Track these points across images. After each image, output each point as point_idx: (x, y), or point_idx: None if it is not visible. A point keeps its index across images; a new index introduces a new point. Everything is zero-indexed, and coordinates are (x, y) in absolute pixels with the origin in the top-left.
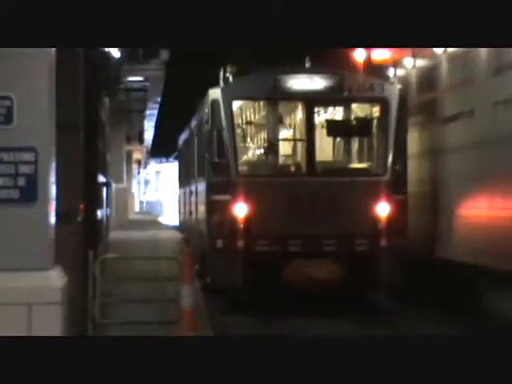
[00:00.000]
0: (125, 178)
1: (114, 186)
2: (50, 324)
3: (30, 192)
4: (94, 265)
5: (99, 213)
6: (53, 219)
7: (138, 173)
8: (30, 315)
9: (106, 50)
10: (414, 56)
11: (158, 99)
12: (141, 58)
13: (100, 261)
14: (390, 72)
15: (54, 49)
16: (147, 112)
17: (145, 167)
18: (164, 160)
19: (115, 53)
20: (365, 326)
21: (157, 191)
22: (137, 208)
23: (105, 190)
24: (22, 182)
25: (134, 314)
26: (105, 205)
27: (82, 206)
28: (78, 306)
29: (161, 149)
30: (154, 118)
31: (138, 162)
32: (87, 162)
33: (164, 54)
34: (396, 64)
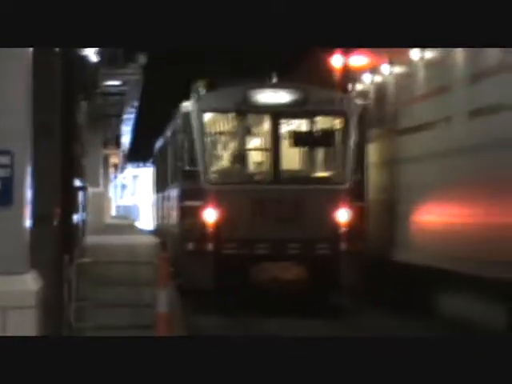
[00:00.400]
0: (101, 182)
1: (90, 190)
2: (25, 328)
3: (6, 195)
4: (69, 269)
5: (75, 217)
6: (28, 223)
7: (115, 177)
8: (4, 319)
9: (84, 53)
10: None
11: (136, 103)
12: (119, 62)
13: (76, 265)
14: (352, 86)
15: (31, 50)
16: (124, 116)
17: (122, 171)
18: (141, 164)
19: (93, 56)
20: (326, 323)
21: (133, 196)
22: (113, 212)
23: (81, 194)
24: None
25: (110, 319)
26: (81, 209)
27: (58, 210)
28: (53, 310)
29: (138, 153)
30: (132, 123)
31: (115, 167)
32: (63, 165)
33: (142, 59)
34: (372, 71)
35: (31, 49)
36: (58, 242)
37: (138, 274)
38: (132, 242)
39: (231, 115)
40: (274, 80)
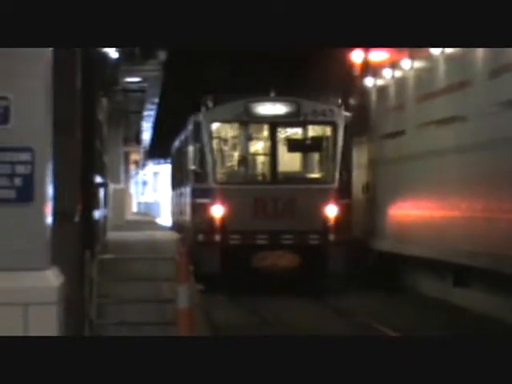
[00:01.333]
0: (122, 178)
1: (111, 186)
2: (47, 324)
3: (27, 192)
4: (90, 265)
5: (96, 213)
6: (49, 219)
7: (136, 174)
8: (26, 315)
9: (104, 50)
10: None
11: (156, 100)
12: (138, 59)
13: (97, 261)
14: (340, 98)
15: (51, 49)
16: (145, 113)
17: (143, 168)
18: (162, 161)
19: (113, 53)
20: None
21: (154, 192)
22: (134, 209)
23: (102, 190)
24: (18, 182)
25: (132, 315)
26: (102, 205)
27: (79, 207)
28: (74, 307)
29: (158, 150)
30: (152, 119)
31: (136, 163)
32: (84, 162)
33: (162, 55)
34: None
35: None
36: (80, 238)
37: (158, 270)
38: (153, 238)
39: (235, 125)
40: (272, 94)
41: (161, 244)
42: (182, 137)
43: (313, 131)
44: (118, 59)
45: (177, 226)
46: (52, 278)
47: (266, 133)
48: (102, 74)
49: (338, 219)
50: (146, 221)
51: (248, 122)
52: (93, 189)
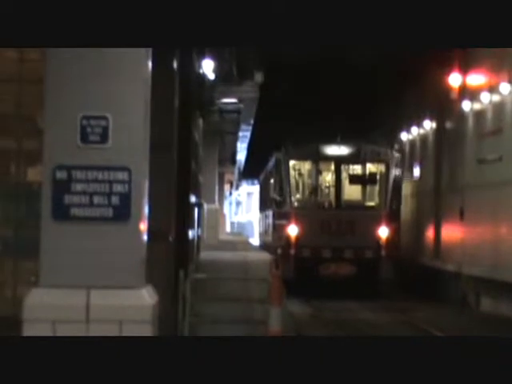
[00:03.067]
0: (216, 198)
1: (205, 206)
2: None
3: (123, 211)
4: (184, 284)
5: (190, 233)
6: (145, 238)
7: (230, 194)
8: (120, 333)
9: (201, 71)
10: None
11: (251, 121)
12: (235, 80)
13: (190, 280)
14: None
15: (150, 70)
16: (240, 134)
17: (236, 188)
18: (256, 182)
19: (210, 74)
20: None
21: (248, 212)
22: (228, 229)
23: (196, 210)
24: (115, 200)
25: (223, 335)
26: (196, 225)
27: (174, 226)
28: (167, 325)
29: (252, 170)
30: (247, 140)
31: (230, 183)
32: (179, 182)
33: (258, 77)
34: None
35: (150, 68)
36: (174, 257)
37: (251, 291)
38: (245, 259)
39: (308, 162)
40: (338, 138)
41: (253, 264)
42: (268, 168)
43: (370, 168)
44: (214, 80)
45: (263, 244)
46: (147, 297)
47: (332, 169)
48: (199, 95)
49: (388, 238)
50: (239, 241)
51: (319, 160)
52: (188, 208)
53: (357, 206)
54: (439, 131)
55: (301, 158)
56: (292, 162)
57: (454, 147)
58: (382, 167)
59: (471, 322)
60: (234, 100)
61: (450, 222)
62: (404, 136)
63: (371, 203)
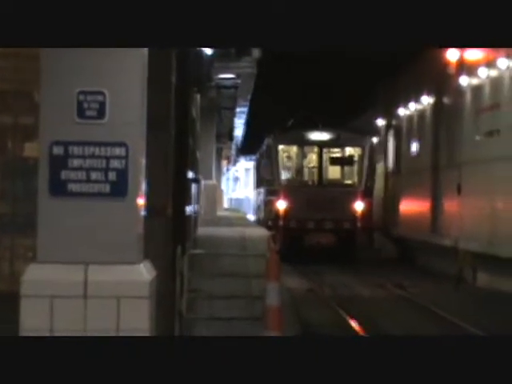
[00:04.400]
0: (214, 174)
1: (203, 182)
2: (138, 317)
3: (121, 186)
4: (181, 260)
5: (188, 209)
6: (142, 214)
7: (228, 170)
8: (117, 308)
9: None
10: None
11: (249, 97)
12: (232, 56)
13: (188, 256)
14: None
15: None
16: (237, 109)
17: (234, 164)
18: (253, 157)
19: (207, 50)
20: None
21: (245, 188)
22: (226, 205)
23: (194, 186)
24: (112, 176)
25: (220, 310)
26: (194, 201)
27: (171, 202)
28: (165, 301)
29: (250, 146)
30: (244, 116)
31: (228, 159)
32: (177, 158)
33: (256, 52)
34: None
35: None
36: (171, 233)
37: (248, 266)
38: (243, 234)
39: (295, 146)
40: (320, 126)
41: (251, 240)
42: (260, 151)
43: (348, 151)
44: (212, 56)
45: (258, 219)
46: (144, 272)
47: (316, 152)
48: (197, 71)
49: (363, 212)
50: (237, 217)
51: (304, 144)
52: (185, 184)
53: (336, 184)
54: (437, 107)
55: (288, 142)
56: (280, 147)
57: (451, 123)
58: (358, 151)
59: (468, 298)
60: (231, 76)
61: (448, 198)
62: (401, 111)
63: (349, 181)
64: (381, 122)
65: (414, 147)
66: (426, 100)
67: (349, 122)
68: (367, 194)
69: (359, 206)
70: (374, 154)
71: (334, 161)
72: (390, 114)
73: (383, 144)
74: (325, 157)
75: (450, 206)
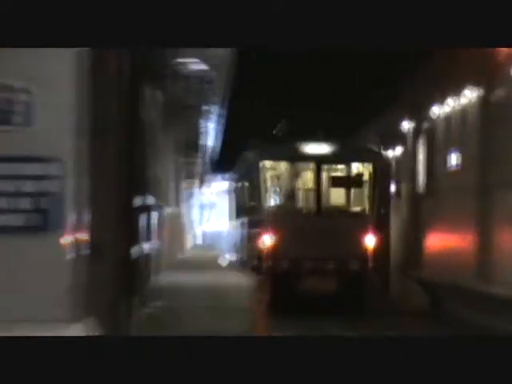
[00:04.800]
0: (179, 199)
1: (165, 210)
2: None
3: (56, 218)
4: (127, 321)
5: (138, 248)
6: (74, 256)
7: (200, 193)
8: None
9: None
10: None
11: (226, 95)
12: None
13: (143, 312)
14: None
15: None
16: (210, 110)
17: (208, 185)
18: (232, 176)
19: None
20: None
21: (223, 218)
22: (198, 240)
23: (149, 215)
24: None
25: None
26: (149, 236)
27: (114, 238)
28: None
29: (229, 161)
30: (222, 120)
31: (200, 179)
32: (121, 177)
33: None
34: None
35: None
36: (118, 281)
37: (223, 325)
38: (215, 283)
39: (284, 163)
40: (318, 136)
41: (226, 291)
42: (240, 167)
43: (355, 169)
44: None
45: (238, 258)
46: (82, 333)
47: (311, 170)
48: (150, 57)
49: (375, 248)
50: (211, 257)
51: (296, 160)
52: (132, 214)
53: (340, 212)
54: (486, 105)
55: (276, 157)
56: (266, 163)
57: (506, 125)
58: (369, 167)
59: None
60: (195, 60)
61: (503, 229)
62: (433, 112)
63: (357, 208)
64: (406, 126)
65: (454, 159)
66: (472, 95)
67: (356, 130)
68: (382, 225)
69: (370, 240)
70: (390, 172)
71: (337, 181)
72: (419, 115)
73: (410, 156)
74: (324, 176)
75: (506, 240)
